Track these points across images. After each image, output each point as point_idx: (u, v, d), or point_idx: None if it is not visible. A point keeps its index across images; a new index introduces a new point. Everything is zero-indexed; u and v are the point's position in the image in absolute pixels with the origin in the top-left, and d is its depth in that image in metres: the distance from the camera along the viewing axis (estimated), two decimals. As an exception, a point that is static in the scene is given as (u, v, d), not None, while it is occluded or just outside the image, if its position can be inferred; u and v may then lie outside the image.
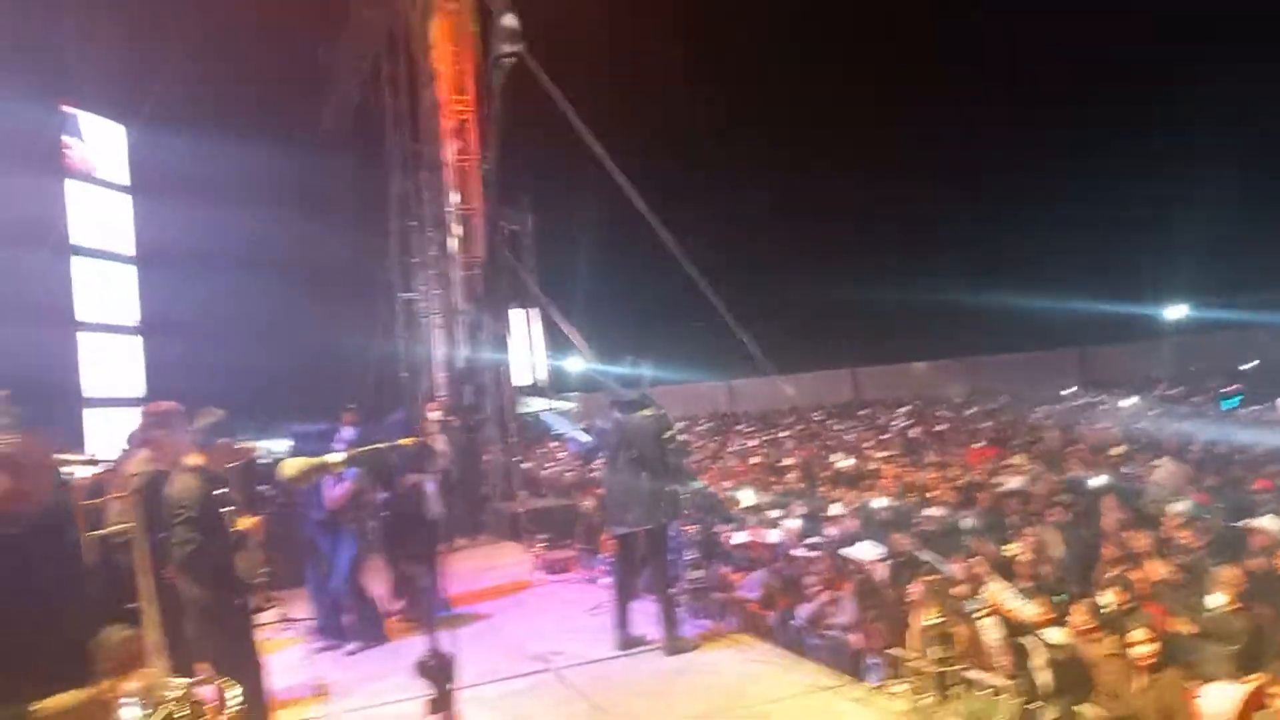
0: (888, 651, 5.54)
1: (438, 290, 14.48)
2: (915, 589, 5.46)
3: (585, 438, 7.31)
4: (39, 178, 12.75)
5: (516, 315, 19.39)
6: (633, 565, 6.06)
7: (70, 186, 13.23)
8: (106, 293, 13.36)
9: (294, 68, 18.79)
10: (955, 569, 6.52)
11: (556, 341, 19.64)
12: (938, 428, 14.65)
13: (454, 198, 14.03)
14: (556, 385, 22.04)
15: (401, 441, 3.01)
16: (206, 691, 2.88)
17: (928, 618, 5.09)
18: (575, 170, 16.46)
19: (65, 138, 13.35)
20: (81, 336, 12.87)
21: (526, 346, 19.27)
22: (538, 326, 20.24)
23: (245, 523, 4.12)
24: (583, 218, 21.99)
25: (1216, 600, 5.22)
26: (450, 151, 14.15)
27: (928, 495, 8.92)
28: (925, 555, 6.94)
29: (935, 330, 24.22)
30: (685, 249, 13.77)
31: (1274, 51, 20.71)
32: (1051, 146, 25.32)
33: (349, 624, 6.35)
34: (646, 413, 6.05)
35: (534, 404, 19.79)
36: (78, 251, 13.16)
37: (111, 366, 12.72)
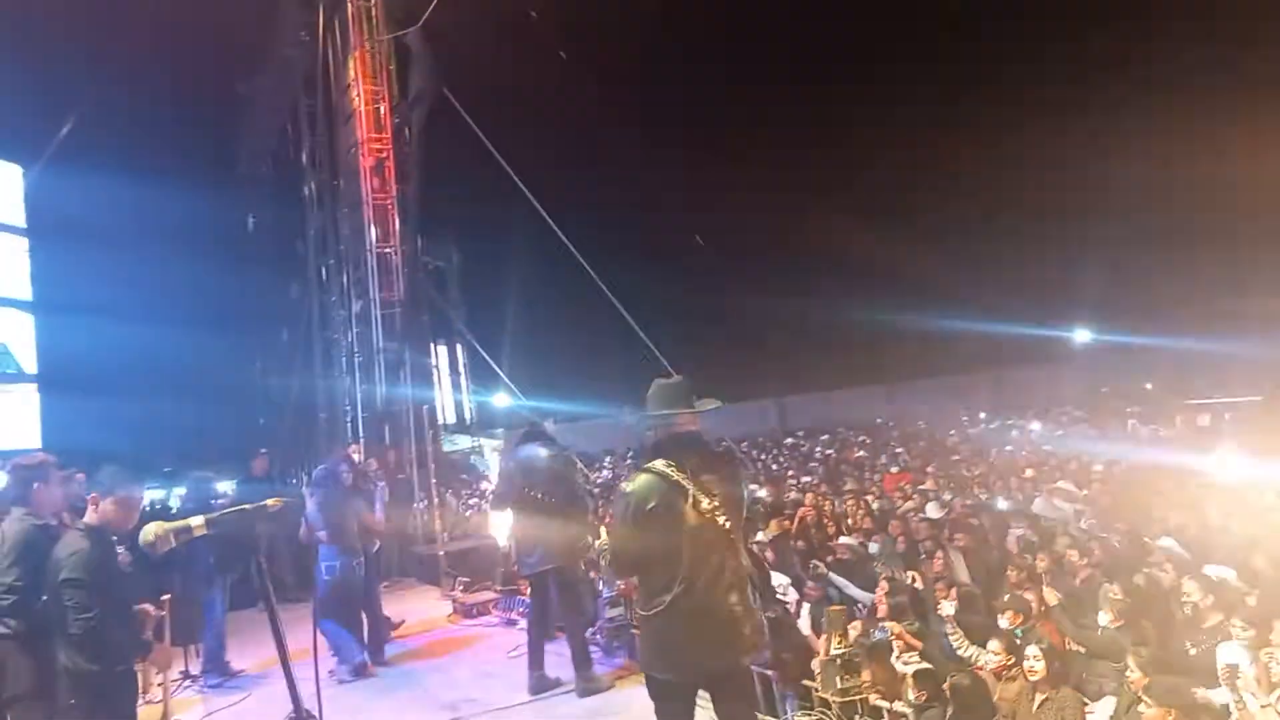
0: (801, 683, 5.62)
1: (357, 329, 14.25)
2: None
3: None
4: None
5: (442, 351, 19.21)
6: (545, 605, 6.00)
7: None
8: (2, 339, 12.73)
9: (209, 105, 18.45)
10: (867, 597, 6.68)
11: (483, 377, 19.51)
12: (857, 454, 14.96)
13: (372, 235, 13.90)
14: (483, 422, 21.84)
15: (267, 502, 2.90)
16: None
17: (834, 648, 5.19)
18: (501, 204, 16.47)
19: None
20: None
21: (451, 383, 19.08)
22: (463, 362, 20.07)
23: None
24: (510, 252, 21.97)
25: (1105, 618, 5.45)
26: (368, 189, 14.05)
27: (845, 523, 9.09)
28: (840, 585, 7.07)
29: (856, 358, 24.80)
30: (610, 281, 13.88)
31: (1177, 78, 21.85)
32: (966, 172, 26.20)
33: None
34: (549, 450, 6.04)
35: (460, 442, 19.55)
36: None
37: (4, 418, 12.07)
